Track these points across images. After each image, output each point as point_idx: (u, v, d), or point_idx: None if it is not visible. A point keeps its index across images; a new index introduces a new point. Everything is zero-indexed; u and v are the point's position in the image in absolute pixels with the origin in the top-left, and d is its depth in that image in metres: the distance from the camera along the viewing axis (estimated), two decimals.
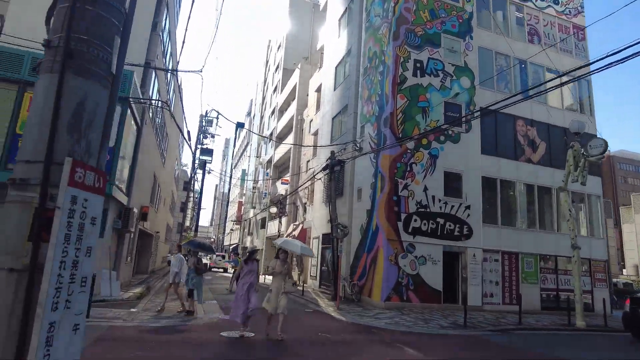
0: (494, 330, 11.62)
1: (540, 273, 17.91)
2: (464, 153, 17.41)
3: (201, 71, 11.33)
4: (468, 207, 16.99)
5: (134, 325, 8.34)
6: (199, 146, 42.40)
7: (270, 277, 8.70)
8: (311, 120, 29.97)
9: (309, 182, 26.29)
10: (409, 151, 16.47)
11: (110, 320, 8.52)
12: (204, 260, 12.98)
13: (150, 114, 16.75)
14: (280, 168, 40.31)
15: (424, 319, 12.63)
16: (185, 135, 14.96)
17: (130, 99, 11.71)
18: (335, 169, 18.48)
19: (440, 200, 16.53)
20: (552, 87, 14.75)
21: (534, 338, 10.95)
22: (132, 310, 10.32)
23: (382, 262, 15.57)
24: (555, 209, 19.01)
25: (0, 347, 2.09)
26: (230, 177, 70.27)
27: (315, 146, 23.98)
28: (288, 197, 31.42)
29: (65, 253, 2.17)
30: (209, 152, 17.28)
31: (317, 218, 23.81)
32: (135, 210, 14.31)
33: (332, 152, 18.60)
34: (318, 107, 28.01)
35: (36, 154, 2.33)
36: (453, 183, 17.13)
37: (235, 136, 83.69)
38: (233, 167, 76.15)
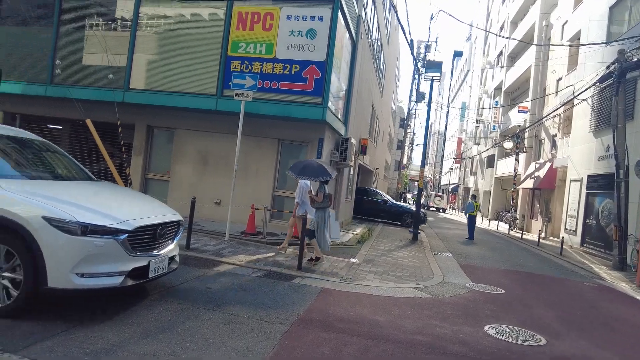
0: None
1: None
2: None
3: None
4: None
5: (354, 292, 6.04)
6: (420, 77, 38.75)
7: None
8: (565, 23, 22.29)
9: (562, 107, 19.78)
10: None
11: (325, 278, 6.49)
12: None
13: (367, 27, 14.11)
14: (513, 94, 33.25)
15: None
16: (407, 37, 11.70)
17: None
18: (627, 78, 12.29)
19: None
20: None
21: None
22: (353, 261, 8.27)
23: None
24: None
25: None
26: (447, 112, 64.70)
27: (580, 44, 17.05)
28: (527, 129, 25.17)
29: None
30: (436, 66, 13.64)
31: (577, 153, 17.64)
32: (354, 141, 12.26)
33: (621, 52, 12.33)
34: (578, 1, 20.27)
35: None
36: None
37: (453, 66, 76.09)
38: (450, 100, 69.92)
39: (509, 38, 27.46)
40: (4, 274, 3.53)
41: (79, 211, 3.60)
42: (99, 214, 3.71)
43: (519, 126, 25.36)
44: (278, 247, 8.42)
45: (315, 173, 7.52)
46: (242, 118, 8.85)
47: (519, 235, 20.34)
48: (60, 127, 12.63)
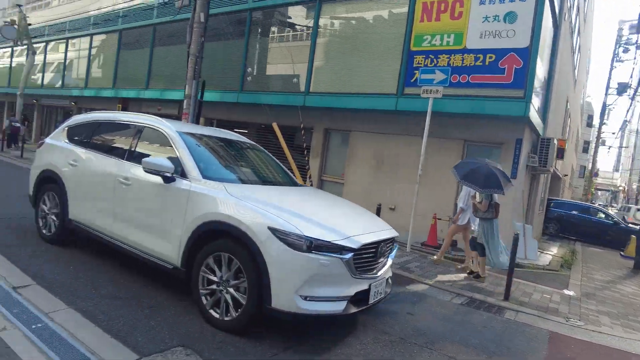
0: None
1: None
2: None
3: None
4: None
5: (595, 343, 4.61)
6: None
7: None
8: None
9: None
10: None
11: (544, 316, 5.17)
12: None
13: (568, 5, 11.77)
14: None
15: None
16: None
17: None
18: None
19: None
20: None
21: None
22: (568, 293, 6.64)
23: None
24: None
25: None
26: None
27: None
28: None
29: None
30: None
31: None
32: (555, 142, 10.27)
33: None
34: None
35: None
36: None
37: None
38: None
39: None
40: (229, 289, 3.29)
41: (302, 223, 3.20)
42: (322, 228, 3.25)
43: None
44: (432, 257, 7.43)
45: (483, 182, 5.91)
46: (429, 117, 8.03)
47: None
48: (246, 131, 13.73)
